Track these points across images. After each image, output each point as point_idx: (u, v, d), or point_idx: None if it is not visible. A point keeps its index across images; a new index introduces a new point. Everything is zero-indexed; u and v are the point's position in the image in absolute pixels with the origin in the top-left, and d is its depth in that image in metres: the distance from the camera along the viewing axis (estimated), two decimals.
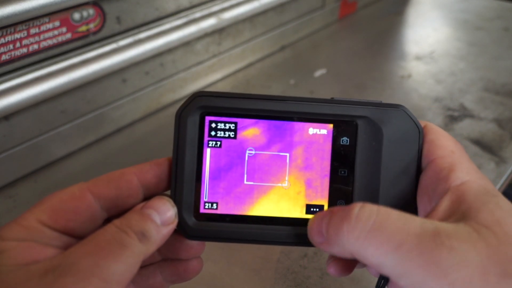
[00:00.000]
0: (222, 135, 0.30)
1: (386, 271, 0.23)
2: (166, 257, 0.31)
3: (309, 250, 0.49)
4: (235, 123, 0.30)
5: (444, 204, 0.25)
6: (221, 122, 0.30)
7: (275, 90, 0.77)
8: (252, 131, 0.30)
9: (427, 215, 0.26)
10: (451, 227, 0.23)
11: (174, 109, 0.71)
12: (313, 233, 0.27)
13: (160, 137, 0.66)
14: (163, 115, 0.70)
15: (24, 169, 0.57)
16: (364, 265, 0.31)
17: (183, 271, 0.30)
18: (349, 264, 0.30)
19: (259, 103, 0.29)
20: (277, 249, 0.49)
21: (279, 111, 0.29)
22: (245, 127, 0.30)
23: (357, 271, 0.47)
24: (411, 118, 0.29)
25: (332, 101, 0.29)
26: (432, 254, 0.21)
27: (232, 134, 0.30)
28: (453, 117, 0.71)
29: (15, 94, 0.52)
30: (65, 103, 0.58)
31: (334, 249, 0.25)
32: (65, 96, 0.58)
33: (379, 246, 0.22)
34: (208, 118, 0.29)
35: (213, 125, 0.30)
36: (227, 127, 0.30)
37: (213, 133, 0.30)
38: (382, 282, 0.29)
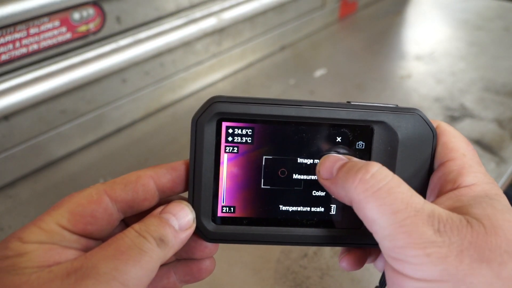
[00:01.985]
0: (239, 140, 0.30)
1: (375, 228, 0.25)
2: (180, 257, 0.31)
3: (309, 250, 0.49)
4: (252, 129, 0.30)
5: (443, 200, 0.27)
6: (238, 127, 0.30)
7: (275, 90, 0.77)
8: (268, 136, 0.30)
9: None
10: (446, 213, 0.25)
11: (174, 109, 0.71)
12: (322, 168, 0.28)
13: (160, 137, 0.66)
14: (163, 115, 0.70)
15: (24, 169, 0.57)
16: (373, 260, 0.33)
17: (197, 271, 0.31)
18: (360, 258, 0.32)
19: (276, 109, 0.29)
20: (277, 249, 0.49)
21: (295, 116, 0.29)
22: (261, 132, 0.30)
23: (357, 272, 0.47)
24: (426, 123, 0.30)
25: (348, 105, 0.30)
26: (421, 227, 0.24)
27: (249, 140, 0.30)
28: (453, 117, 0.71)
29: (15, 94, 0.52)
30: (65, 103, 0.58)
31: (336, 190, 0.27)
32: (65, 96, 0.58)
33: (381, 205, 0.24)
34: (225, 124, 0.30)
35: (230, 130, 0.30)
36: (244, 133, 0.30)
37: (230, 138, 0.30)
38: (385, 279, 0.29)
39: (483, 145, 0.65)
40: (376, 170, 0.25)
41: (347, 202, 0.27)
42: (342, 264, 0.31)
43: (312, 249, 0.49)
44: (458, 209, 0.25)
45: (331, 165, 0.28)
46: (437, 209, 0.25)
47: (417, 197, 0.25)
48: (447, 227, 0.24)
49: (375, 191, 0.25)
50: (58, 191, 0.56)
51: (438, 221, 0.24)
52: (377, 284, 0.31)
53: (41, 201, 0.55)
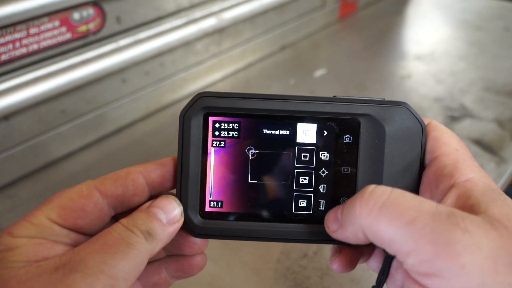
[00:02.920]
0: (226, 135, 0.30)
1: (396, 247, 0.23)
2: (171, 253, 0.31)
3: (309, 250, 0.49)
4: (239, 123, 0.30)
5: (451, 198, 0.25)
6: (224, 122, 0.30)
7: (275, 90, 0.77)
8: (255, 131, 0.30)
9: None
10: (464, 213, 0.23)
11: (174, 109, 0.71)
12: (329, 222, 0.28)
13: (160, 137, 0.66)
14: (163, 115, 0.70)
15: (24, 169, 0.57)
16: (365, 260, 0.32)
17: (188, 266, 0.31)
18: (352, 259, 0.31)
19: (262, 103, 0.29)
20: (277, 249, 0.49)
21: (282, 110, 0.29)
22: (248, 127, 0.30)
23: (357, 272, 0.47)
24: (414, 116, 0.29)
25: (334, 99, 0.30)
26: (445, 232, 0.21)
27: (236, 134, 0.30)
28: (454, 117, 0.71)
29: (15, 94, 0.52)
30: (65, 103, 0.58)
31: (348, 231, 0.26)
32: (65, 96, 0.58)
33: (391, 220, 0.23)
34: (211, 119, 0.30)
35: (217, 125, 0.30)
36: (231, 127, 0.30)
37: (217, 133, 0.30)
38: (382, 278, 0.29)
39: (483, 145, 0.65)
40: (372, 189, 0.24)
41: (362, 238, 0.25)
42: (334, 266, 0.31)
43: (312, 249, 0.49)
44: (474, 207, 0.24)
45: (334, 213, 0.27)
46: (454, 209, 0.23)
47: (426, 202, 0.23)
48: (473, 225, 0.21)
49: (379, 208, 0.23)
50: (58, 191, 0.56)
51: (463, 219, 0.22)
52: (374, 284, 0.30)
53: (41, 201, 0.54)
